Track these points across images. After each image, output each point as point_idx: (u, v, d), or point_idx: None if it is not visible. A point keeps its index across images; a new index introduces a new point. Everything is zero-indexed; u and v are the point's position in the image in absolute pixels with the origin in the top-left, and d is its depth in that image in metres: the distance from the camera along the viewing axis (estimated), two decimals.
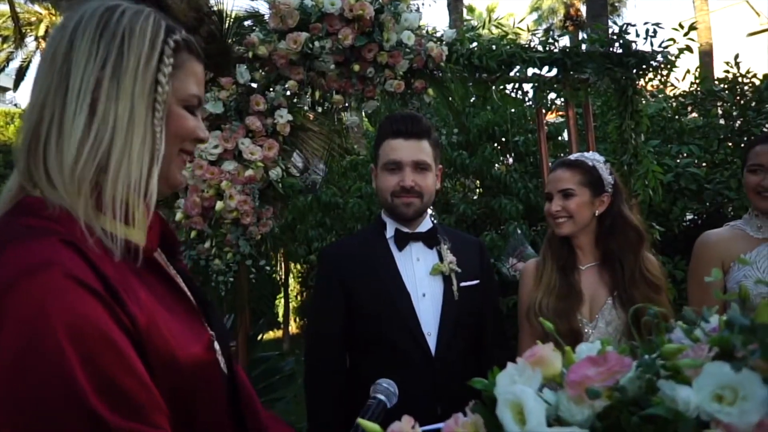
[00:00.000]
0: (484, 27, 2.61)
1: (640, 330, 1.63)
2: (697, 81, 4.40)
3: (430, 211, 1.83)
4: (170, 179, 0.84)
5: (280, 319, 8.22)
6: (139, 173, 0.75)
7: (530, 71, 2.54)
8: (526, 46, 2.45)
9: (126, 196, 0.74)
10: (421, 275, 1.63)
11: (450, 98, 2.47)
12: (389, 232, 1.68)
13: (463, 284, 1.63)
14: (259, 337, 3.28)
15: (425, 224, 1.70)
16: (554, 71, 2.53)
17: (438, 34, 2.36)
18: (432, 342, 1.57)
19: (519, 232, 3.22)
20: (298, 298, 8.47)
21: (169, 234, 0.89)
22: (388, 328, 1.58)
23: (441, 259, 1.65)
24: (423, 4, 2.31)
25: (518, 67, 2.46)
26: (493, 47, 2.41)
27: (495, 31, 2.65)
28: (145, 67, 0.76)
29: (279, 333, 8.27)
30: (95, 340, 0.63)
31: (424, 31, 2.30)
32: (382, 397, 0.96)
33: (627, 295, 1.61)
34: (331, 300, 1.64)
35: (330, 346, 1.64)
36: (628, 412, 0.58)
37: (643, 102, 2.86)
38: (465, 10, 14.94)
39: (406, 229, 1.67)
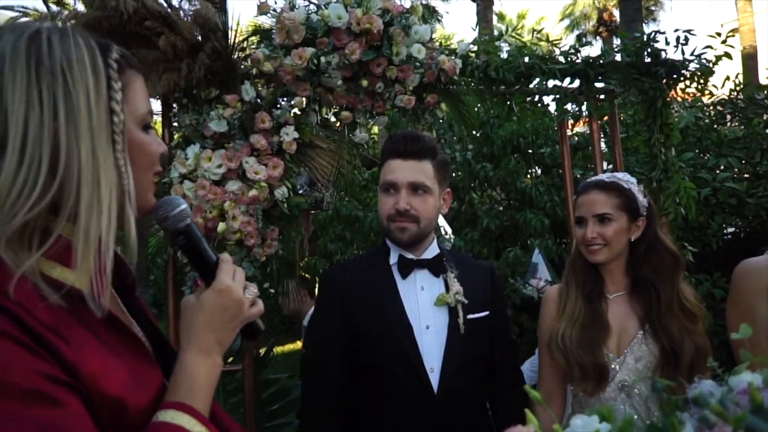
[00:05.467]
0: (501, 37, 2.49)
1: (672, 366, 1.48)
2: (738, 88, 4.15)
3: (445, 234, 1.73)
4: (145, 206, 0.81)
5: None
6: (108, 219, 0.70)
7: (551, 83, 2.41)
8: (546, 56, 2.32)
9: (98, 246, 0.69)
10: (426, 305, 1.52)
11: (465, 113, 2.36)
12: (392, 258, 1.58)
13: (470, 316, 1.52)
14: (270, 355, 3.22)
15: (431, 250, 1.59)
16: (577, 83, 2.39)
17: (452, 46, 2.26)
18: (435, 378, 1.46)
19: (537, 251, 3.07)
20: None
21: (124, 270, 0.83)
22: (388, 362, 1.48)
23: (447, 288, 1.54)
24: (443, 16, 2.20)
25: (537, 79, 2.34)
26: (511, 58, 2.29)
27: (516, 39, 2.53)
28: (96, 101, 0.70)
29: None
30: (22, 387, 0.61)
31: (436, 44, 2.20)
32: (188, 221, 0.84)
33: (662, 326, 1.48)
34: (332, 326, 1.56)
35: (328, 374, 1.54)
36: None
37: (675, 112, 2.69)
38: (495, 18, 14.76)
39: (410, 256, 1.57)
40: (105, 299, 0.71)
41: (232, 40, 2.07)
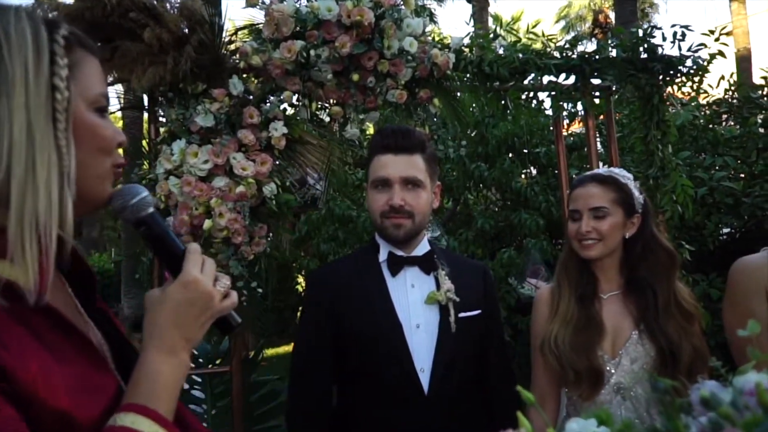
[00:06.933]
0: (498, 37, 2.45)
1: (669, 368, 1.43)
2: (733, 88, 4.13)
3: (428, 233, 1.68)
4: (100, 196, 0.74)
5: None
6: (47, 202, 0.64)
7: (546, 79, 2.37)
8: (541, 52, 2.28)
9: (35, 231, 0.63)
10: (416, 304, 1.47)
11: (459, 109, 2.32)
12: (382, 256, 1.53)
13: (462, 315, 1.47)
14: (260, 357, 3.16)
15: (422, 247, 1.54)
16: (572, 78, 2.35)
17: (446, 41, 2.22)
18: (425, 379, 1.41)
19: (533, 251, 3.02)
20: None
21: (83, 269, 0.77)
22: (378, 363, 1.43)
23: (438, 285, 1.49)
24: (435, 10, 2.15)
25: (532, 74, 2.29)
26: (505, 54, 2.25)
27: (512, 34, 2.49)
28: (35, 74, 0.65)
29: None
30: None
31: (429, 38, 2.15)
32: (150, 210, 0.78)
33: (658, 326, 1.43)
34: (319, 330, 1.50)
35: (316, 381, 1.49)
36: None
37: (671, 110, 2.65)
38: (491, 19, 14.74)
39: (400, 253, 1.52)
40: (46, 292, 0.65)
41: (221, 35, 2.01)
